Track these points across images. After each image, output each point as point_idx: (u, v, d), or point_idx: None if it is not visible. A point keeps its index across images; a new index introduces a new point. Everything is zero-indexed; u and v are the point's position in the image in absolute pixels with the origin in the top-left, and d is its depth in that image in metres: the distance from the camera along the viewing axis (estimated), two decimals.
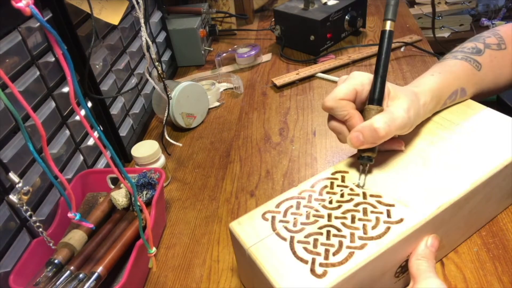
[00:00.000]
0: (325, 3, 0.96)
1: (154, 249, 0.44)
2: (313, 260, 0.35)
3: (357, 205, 0.40)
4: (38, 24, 0.49)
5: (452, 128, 0.48)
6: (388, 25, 0.43)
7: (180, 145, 0.71)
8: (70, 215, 0.38)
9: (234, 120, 0.78)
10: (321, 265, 0.35)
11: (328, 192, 0.42)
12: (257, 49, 0.96)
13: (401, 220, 0.38)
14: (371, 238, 0.36)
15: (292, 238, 0.38)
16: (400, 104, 0.42)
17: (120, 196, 0.52)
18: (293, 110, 0.78)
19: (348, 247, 0.36)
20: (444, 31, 1.71)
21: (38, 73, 0.49)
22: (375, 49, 0.92)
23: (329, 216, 0.39)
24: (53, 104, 0.52)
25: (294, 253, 0.36)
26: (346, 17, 0.96)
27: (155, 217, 0.49)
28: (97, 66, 0.62)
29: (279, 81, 0.86)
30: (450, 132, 0.47)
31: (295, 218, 0.40)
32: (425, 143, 0.46)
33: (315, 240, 0.37)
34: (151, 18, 0.85)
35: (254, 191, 0.60)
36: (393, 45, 0.93)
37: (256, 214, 0.41)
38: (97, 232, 0.49)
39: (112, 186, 0.57)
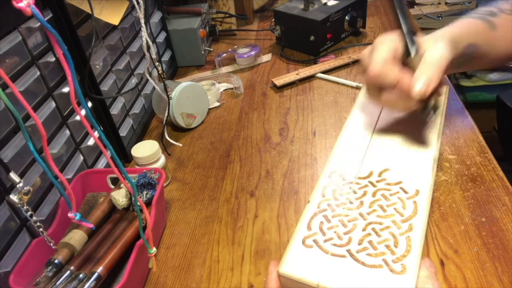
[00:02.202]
0: (325, 4, 0.96)
1: (154, 249, 0.44)
2: (385, 261, 0.35)
3: (374, 194, 0.41)
4: (39, 24, 0.49)
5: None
6: None
7: (180, 145, 0.71)
8: (70, 215, 0.38)
9: (234, 120, 0.78)
10: (394, 261, 0.35)
11: (341, 194, 0.42)
12: (257, 49, 0.96)
13: (418, 191, 0.40)
14: (411, 217, 0.38)
15: (349, 251, 0.36)
16: (435, 43, 0.42)
17: (120, 196, 0.52)
18: (293, 110, 0.78)
19: (401, 234, 0.37)
20: None
21: (38, 73, 0.49)
22: None
23: (361, 215, 0.39)
24: (53, 104, 0.52)
25: (364, 264, 0.35)
26: (346, 17, 0.96)
27: (155, 217, 0.49)
28: (97, 66, 0.62)
29: (279, 81, 0.86)
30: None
31: (335, 232, 0.38)
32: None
33: (370, 242, 0.36)
34: (151, 18, 0.85)
35: (254, 191, 0.60)
36: None
37: (296, 246, 0.37)
38: (97, 232, 0.49)
39: (112, 186, 0.57)
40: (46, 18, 0.51)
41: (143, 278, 0.50)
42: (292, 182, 0.61)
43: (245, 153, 0.69)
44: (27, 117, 0.46)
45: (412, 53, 0.41)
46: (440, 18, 1.70)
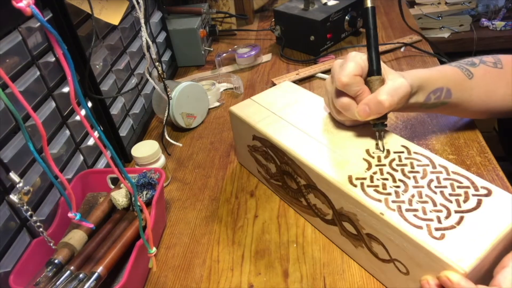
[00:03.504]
0: (325, 4, 0.96)
1: (154, 249, 0.44)
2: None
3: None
4: (39, 24, 0.49)
5: None
6: (369, 2, 0.48)
7: (180, 145, 0.71)
8: (70, 215, 0.38)
9: None
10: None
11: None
12: (257, 49, 0.96)
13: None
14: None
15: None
16: (396, 75, 0.47)
17: (120, 196, 0.52)
18: None
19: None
20: (444, 32, 1.71)
21: (38, 73, 0.49)
22: None
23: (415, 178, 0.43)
24: (53, 104, 0.52)
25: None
26: (346, 17, 0.96)
27: (155, 217, 0.49)
28: (97, 66, 0.62)
29: (279, 81, 0.86)
30: None
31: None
32: None
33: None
34: (151, 18, 0.85)
35: (254, 191, 0.60)
36: (393, 45, 0.93)
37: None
38: (97, 232, 0.49)
39: (112, 186, 0.57)
40: (46, 18, 0.51)
41: (143, 278, 0.50)
42: None
43: None
44: (27, 117, 0.46)
45: (374, 75, 0.47)
46: (440, 18, 1.70)
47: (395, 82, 0.46)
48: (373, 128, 0.47)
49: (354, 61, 0.46)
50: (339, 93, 0.47)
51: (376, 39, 0.48)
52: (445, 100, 0.53)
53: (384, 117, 0.46)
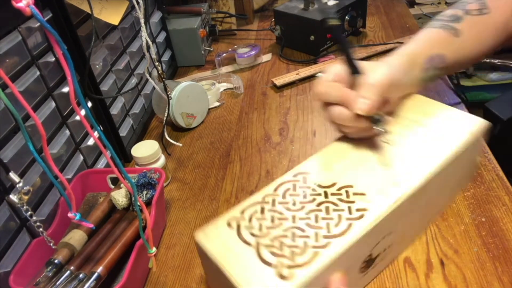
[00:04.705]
0: (325, 3, 0.96)
1: (154, 249, 0.44)
2: (280, 263, 0.35)
3: (319, 204, 0.40)
4: (38, 24, 0.49)
5: (411, 126, 0.47)
6: (335, 21, 0.47)
7: (180, 145, 0.71)
8: (70, 215, 0.38)
9: (234, 120, 0.78)
10: (288, 267, 0.34)
11: (291, 195, 0.42)
12: (257, 49, 0.96)
13: (362, 216, 0.38)
14: (334, 236, 0.37)
15: (257, 243, 0.37)
16: (379, 66, 0.44)
17: (120, 196, 0.52)
18: (293, 110, 0.78)
19: (313, 246, 0.36)
20: None
21: (38, 73, 0.49)
22: (375, 49, 0.92)
23: (293, 218, 0.39)
24: (53, 104, 0.52)
25: (261, 257, 0.36)
26: (346, 17, 0.96)
27: (155, 217, 0.49)
28: (97, 66, 0.62)
29: (279, 81, 0.86)
30: (408, 130, 0.47)
31: (260, 223, 0.39)
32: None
33: (281, 243, 0.37)
34: (151, 18, 0.85)
35: (254, 191, 0.60)
36: (393, 45, 0.93)
37: (220, 222, 0.40)
38: (97, 232, 0.49)
39: (112, 186, 0.57)
40: (46, 18, 0.51)
41: (143, 278, 0.50)
42: None
43: (245, 153, 0.69)
44: (27, 117, 0.46)
45: (355, 73, 0.43)
46: None
47: (378, 69, 0.43)
48: (375, 126, 0.42)
49: (329, 72, 0.44)
50: (325, 105, 0.44)
51: (347, 43, 0.45)
52: (440, 64, 0.50)
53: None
